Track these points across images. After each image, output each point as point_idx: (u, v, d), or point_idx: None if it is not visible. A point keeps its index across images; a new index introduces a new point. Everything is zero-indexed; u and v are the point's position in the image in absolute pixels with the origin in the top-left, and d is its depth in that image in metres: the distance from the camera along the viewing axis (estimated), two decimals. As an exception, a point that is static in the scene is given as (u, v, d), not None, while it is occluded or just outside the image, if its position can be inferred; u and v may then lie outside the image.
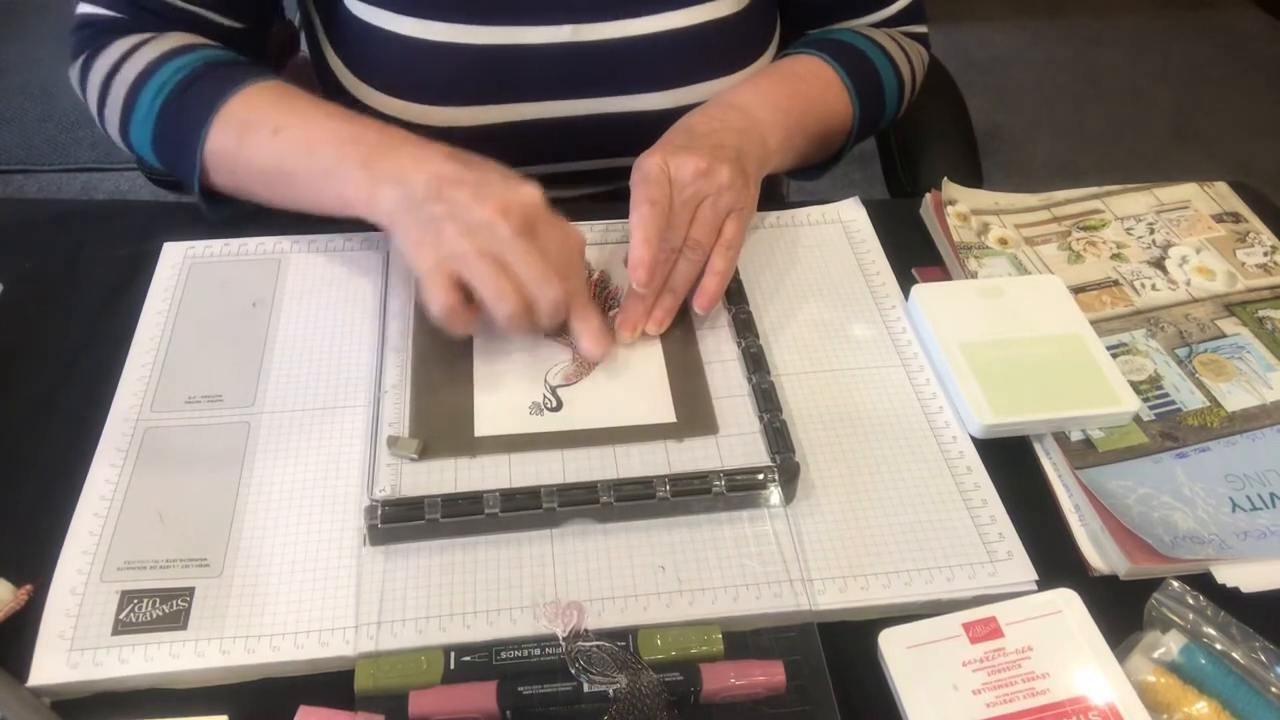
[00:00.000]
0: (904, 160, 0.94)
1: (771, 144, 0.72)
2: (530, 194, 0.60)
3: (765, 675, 0.49)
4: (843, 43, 0.81)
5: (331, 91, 0.79)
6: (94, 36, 0.72)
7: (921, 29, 0.87)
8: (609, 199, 0.85)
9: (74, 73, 0.73)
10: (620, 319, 0.65)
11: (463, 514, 0.54)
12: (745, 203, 0.68)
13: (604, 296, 0.68)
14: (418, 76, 0.73)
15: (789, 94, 0.76)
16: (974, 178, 0.90)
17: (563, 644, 0.50)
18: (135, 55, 0.69)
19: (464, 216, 0.58)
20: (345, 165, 0.62)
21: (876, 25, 0.84)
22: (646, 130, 0.72)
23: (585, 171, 0.83)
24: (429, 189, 0.59)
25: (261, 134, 0.65)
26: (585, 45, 0.75)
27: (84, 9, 0.73)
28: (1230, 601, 0.53)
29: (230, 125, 0.66)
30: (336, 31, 0.77)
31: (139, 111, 0.69)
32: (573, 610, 0.51)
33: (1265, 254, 0.74)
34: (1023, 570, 0.54)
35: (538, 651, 0.49)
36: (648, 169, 0.65)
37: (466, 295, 0.60)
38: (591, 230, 0.73)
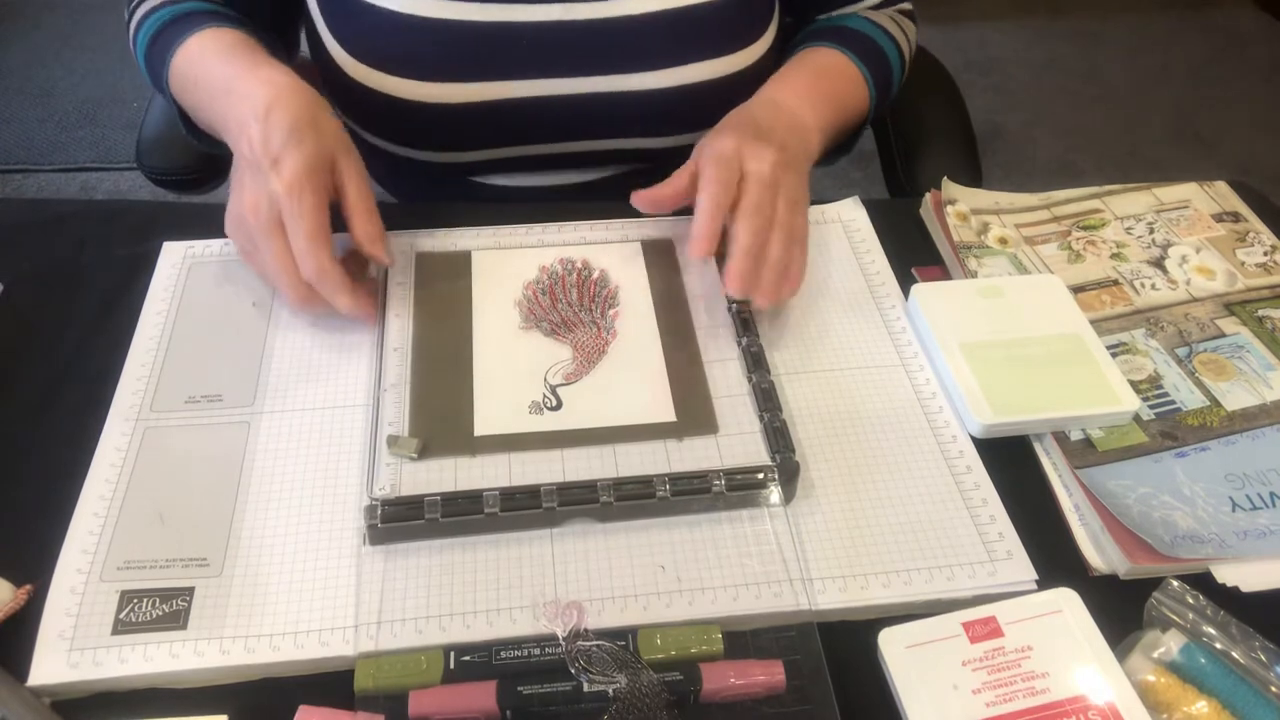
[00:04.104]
0: (904, 160, 0.94)
1: (814, 145, 0.74)
2: (274, 186, 0.60)
3: (765, 675, 0.49)
4: (858, 33, 0.82)
5: (327, 70, 0.79)
6: None
7: (908, 5, 0.89)
8: (605, 187, 0.85)
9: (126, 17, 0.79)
10: (729, 289, 0.64)
11: (462, 513, 0.54)
12: (804, 200, 0.69)
13: (603, 296, 0.68)
14: (410, 53, 0.74)
15: (824, 94, 0.77)
16: (974, 177, 0.90)
17: (563, 644, 0.50)
18: (144, 3, 0.76)
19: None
20: (226, 121, 0.66)
21: (875, 7, 0.86)
22: (639, 111, 0.72)
23: (580, 153, 0.83)
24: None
25: (188, 86, 0.71)
26: (576, 24, 0.75)
27: None
28: (1230, 601, 0.53)
29: (177, 78, 0.72)
30: (331, 9, 0.78)
31: (139, 58, 0.76)
32: (573, 610, 0.51)
33: (1265, 253, 0.74)
34: (1023, 570, 0.54)
35: (538, 651, 0.49)
36: (722, 148, 0.65)
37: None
38: (592, 230, 0.73)
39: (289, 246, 0.60)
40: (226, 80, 0.66)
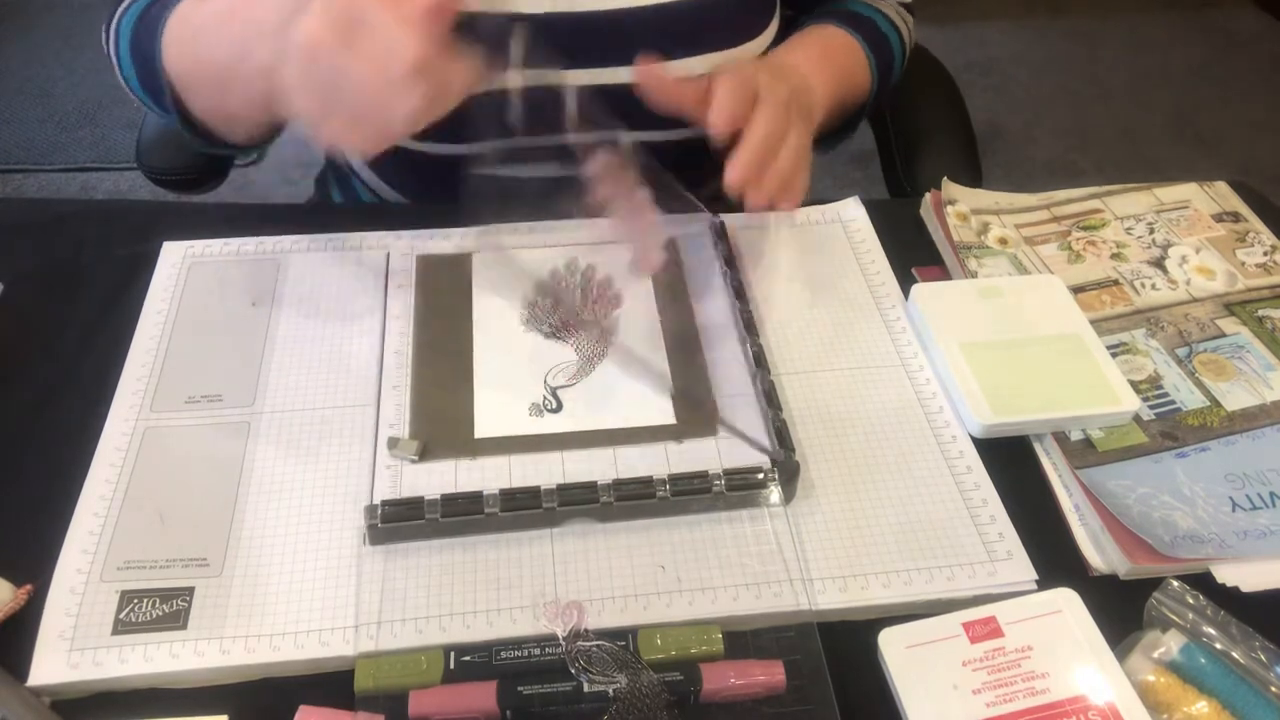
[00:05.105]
0: (904, 160, 0.94)
1: (817, 111, 0.74)
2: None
3: (765, 675, 0.49)
4: (862, 16, 0.83)
5: None
6: None
7: None
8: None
9: (102, 35, 0.76)
10: (730, 176, 0.60)
11: (463, 514, 0.54)
12: (810, 147, 0.67)
13: (606, 298, 0.68)
14: None
15: (831, 67, 0.78)
16: (974, 178, 0.90)
17: (563, 644, 0.50)
18: (122, 3, 0.73)
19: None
20: (246, 33, 0.58)
21: None
22: (638, 105, 0.71)
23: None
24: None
25: (186, 41, 0.65)
26: (572, 16, 0.75)
27: None
28: (1230, 601, 0.53)
29: (173, 47, 0.67)
30: None
31: (125, 56, 0.72)
32: (573, 610, 0.51)
33: (1265, 253, 0.74)
34: (1023, 570, 0.54)
35: (538, 651, 0.49)
36: (739, 68, 0.63)
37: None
38: (593, 229, 0.73)
39: (380, 44, 0.48)
40: (231, 5, 0.61)
